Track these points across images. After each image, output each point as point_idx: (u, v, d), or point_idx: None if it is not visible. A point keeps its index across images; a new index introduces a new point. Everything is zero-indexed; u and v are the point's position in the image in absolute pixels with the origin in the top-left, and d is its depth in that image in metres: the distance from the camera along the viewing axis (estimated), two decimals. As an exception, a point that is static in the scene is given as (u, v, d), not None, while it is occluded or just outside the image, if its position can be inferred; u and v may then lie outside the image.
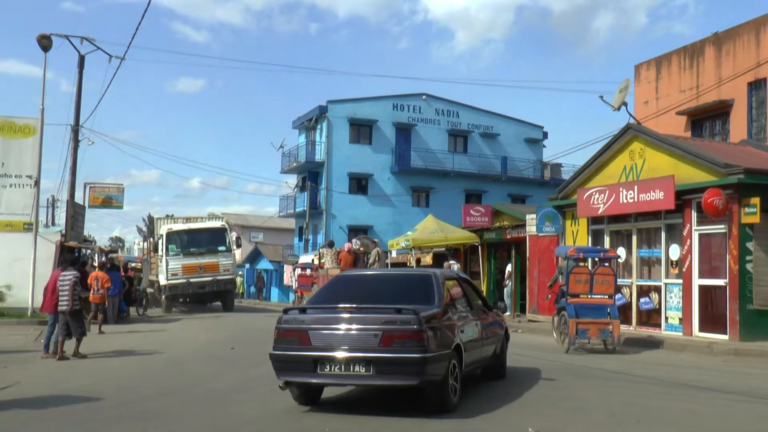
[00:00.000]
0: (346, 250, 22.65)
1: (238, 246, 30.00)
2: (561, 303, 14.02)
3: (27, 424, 7.13)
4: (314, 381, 7.51)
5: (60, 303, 12.59)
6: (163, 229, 28.28)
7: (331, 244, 24.05)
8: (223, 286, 27.44)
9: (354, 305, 7.59)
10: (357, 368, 7.23)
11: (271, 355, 7.60)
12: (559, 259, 15.91)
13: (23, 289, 20.52)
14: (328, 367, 7.28)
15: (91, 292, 18.07)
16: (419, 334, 7.16)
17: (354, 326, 7.33)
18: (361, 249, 23.09)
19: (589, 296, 13.60)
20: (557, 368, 10.82)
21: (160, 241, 27.83)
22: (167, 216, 36.02)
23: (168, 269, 26.68)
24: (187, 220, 31.76)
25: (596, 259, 14.67)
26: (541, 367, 10.79)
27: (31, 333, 16.96)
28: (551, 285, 16.16)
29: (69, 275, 12.80)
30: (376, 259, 21.97)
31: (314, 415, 7.36)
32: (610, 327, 13.31)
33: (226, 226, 28.87)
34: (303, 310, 7.87)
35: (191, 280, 26.64)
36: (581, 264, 14.09)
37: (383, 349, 7.16)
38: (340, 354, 7.22)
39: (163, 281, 27.06)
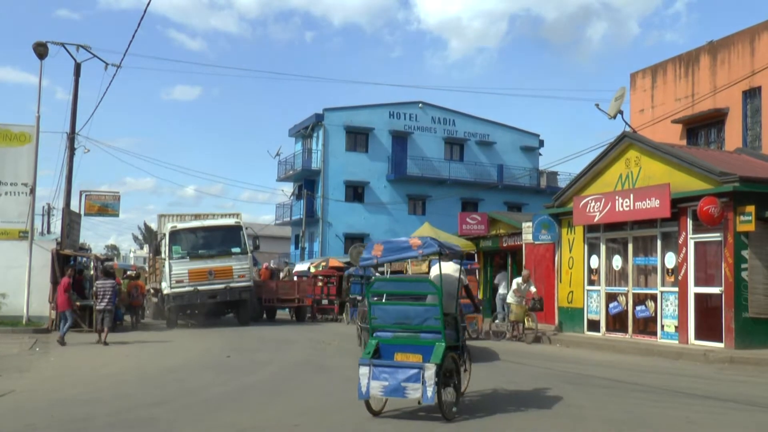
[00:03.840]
0: (264, 267, 29.09)
1: (256, 248, 26.07)
2: None
3: (21, 433, 7.09)
4: None
5: (102, 303, 16.82)
6: (166, 227, 23.69)
7: (255, 263, 28.21)
8: (237, 294, 22.79)
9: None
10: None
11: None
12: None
13: (18, 296, 20.46)
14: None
15: (131, 298, 23.18)
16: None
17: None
18: (277, 267, 30.35)
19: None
20: (550, 375, 10.83)
21: (162, 242, 23.18)
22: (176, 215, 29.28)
23: (171, 275, 22.12)
24: (196, 217, 26.57)
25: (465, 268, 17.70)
26: (533, 374, 10.78)
27: (26, 341, 16.86)
28: None
29: (108, 283, 17.12)
30: (287, 273, 29.69)
31: (308, 424, 7.35)
32: (476, 320, 17.53)
33: (242, 223, 23.97)
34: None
35: (199, 288, 22.11)
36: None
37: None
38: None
39: (166, 289, 22.36)
